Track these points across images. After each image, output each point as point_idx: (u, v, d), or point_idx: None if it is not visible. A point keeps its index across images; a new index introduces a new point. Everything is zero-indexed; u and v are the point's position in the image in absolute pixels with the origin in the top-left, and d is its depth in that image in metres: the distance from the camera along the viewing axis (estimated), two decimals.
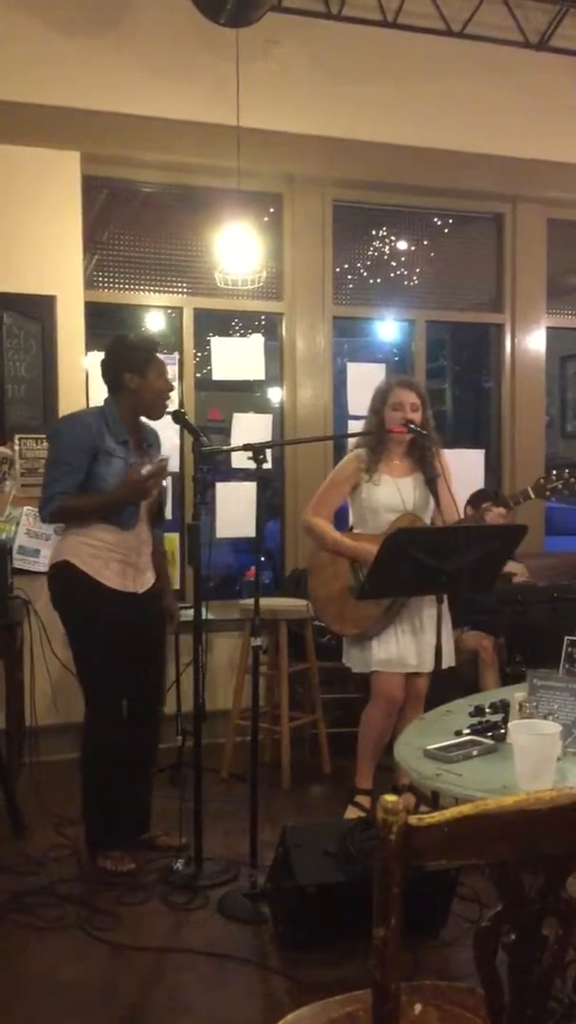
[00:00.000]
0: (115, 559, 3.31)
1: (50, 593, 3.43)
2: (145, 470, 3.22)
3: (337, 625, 3.78)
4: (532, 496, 3.72)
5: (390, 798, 1.18)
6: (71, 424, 3.39)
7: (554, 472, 3.68)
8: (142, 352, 3.35)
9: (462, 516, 4.10)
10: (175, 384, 3.44)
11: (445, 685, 3.31)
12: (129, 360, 3.34)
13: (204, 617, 3.44)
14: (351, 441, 4.08)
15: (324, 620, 3.90)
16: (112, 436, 3.30)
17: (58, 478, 3.25)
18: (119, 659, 3.33)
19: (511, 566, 4.76)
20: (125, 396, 3.36)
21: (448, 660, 3.65)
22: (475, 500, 4.70)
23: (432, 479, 3.74)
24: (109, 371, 3.39)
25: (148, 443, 3.48)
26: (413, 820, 1.18)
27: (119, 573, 3.32)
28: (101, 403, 3.49)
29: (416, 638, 3.66)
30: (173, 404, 3.46)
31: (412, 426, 3.69)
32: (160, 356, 3.42)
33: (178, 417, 3.40)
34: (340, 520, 4.12)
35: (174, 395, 3.51)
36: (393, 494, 3.72)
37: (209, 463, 3.82)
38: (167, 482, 3.41)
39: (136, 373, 3.33)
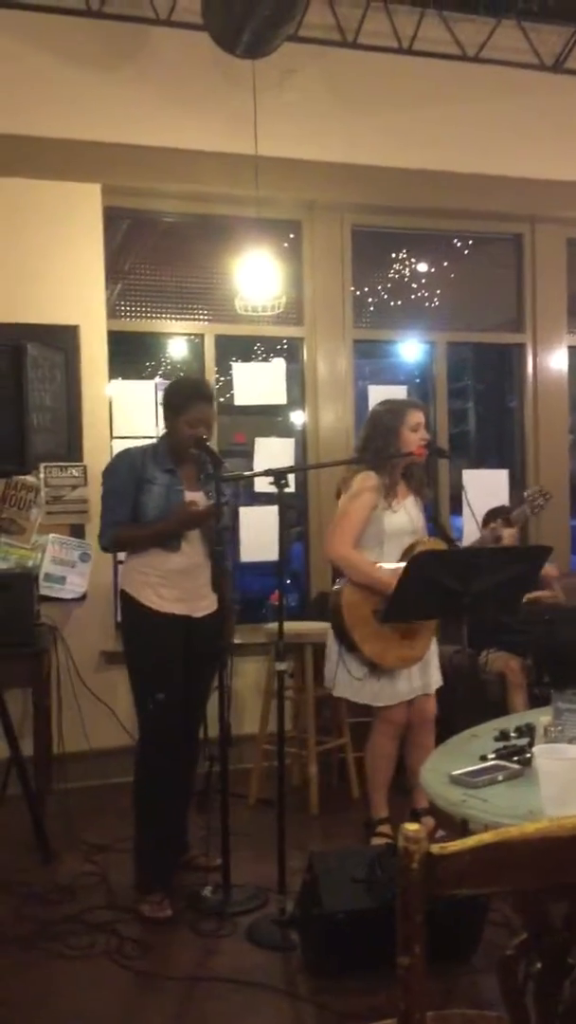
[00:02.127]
0: (163, 584, 3.35)
1: None
2: (195, 507, 3.33)
3: (388, 662, 3.63)
4: (529, 513, 3.81)
5: (411, 827, 1.18)
6: (118, 457, 3.53)
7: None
8: (177, 399, 3.45)
9: (480, 535, 4.13)
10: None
11: (473, 706, 3.30)
12: (168, 402, 3.49)
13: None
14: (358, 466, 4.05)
15: (373, 658, 3.64)
16: (156, 465, 3.40)
17: (110, 509, 3.40)
18: (171, 685, 3.33)
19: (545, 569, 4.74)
20: (168, 433, 3.50)
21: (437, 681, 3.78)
22: (488, 519, 4.61)
23: (423, 500, 3.85)
24: (162, 409, 3.56)
25: (205, 474, 3.49)
26: (435, 849, 1.18)
27: (166, 597, 3.36)
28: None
29: (422, 662, 3.70)
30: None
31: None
32: (198, 404, 3.42)
33: (199, 444, 3.44)
34: None
35: None
36: (405, 519, 3.74)
37: (232, 488, 3.85)
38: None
39: (170, 415, 3.46)
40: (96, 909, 3.26)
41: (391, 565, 3.62)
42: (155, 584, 3.35)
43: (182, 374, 5.15)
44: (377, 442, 3.74)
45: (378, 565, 3.64)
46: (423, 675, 3.72)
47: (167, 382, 4.30)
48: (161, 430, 3.66)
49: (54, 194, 4.65)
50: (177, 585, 3.37)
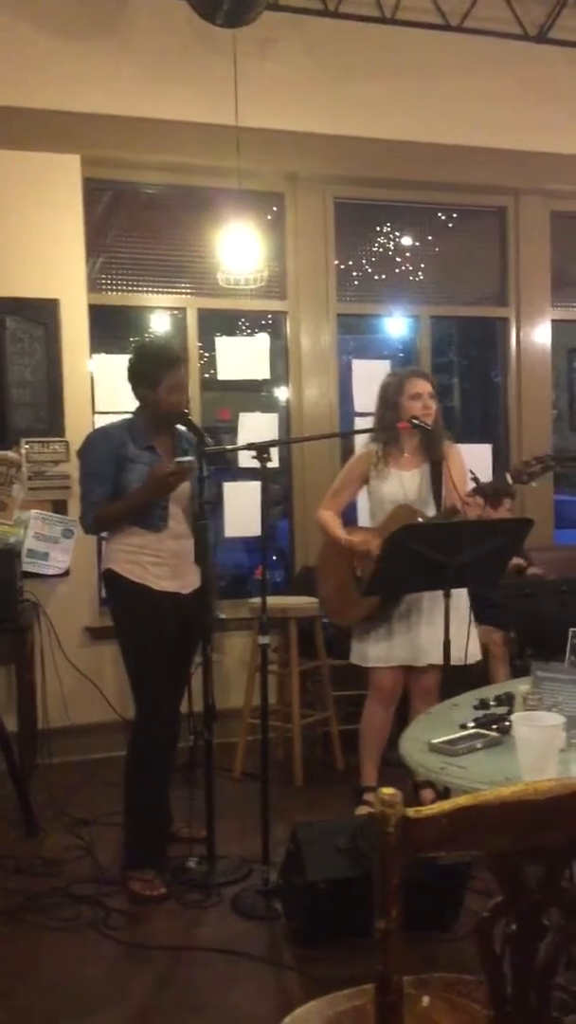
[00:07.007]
0: (150, 562, 3.31)
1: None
2: (166, 467, 3.23)
3: (336, 616, 3.83)
4: (511, 482, 3.71)
5: (387, 791, 1.19)
6: (94, 437, 3.46)
7: (534, 458, 3.69)
8: (153, 366, 3.36)
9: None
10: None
11: (455, 679, 3.31)
12: (142, 374, 3.38)
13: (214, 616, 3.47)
14: (364, 436, 4.09)
15: (327, 613, 3.94)
16: (135, 444, 3.33)
17: (90, 489, 3.33)
18: (165, 661, 3.30)
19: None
20: (145, 407, 3.40)
21: (458, 656, 3.67)
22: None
23: (437, 464, 3.75)
24: (129, 383, 3.43)
25: (183, 449, 3.44)
26: (411, 812, 1.18)
27: (158, 575, 3.32)
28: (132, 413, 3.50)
29: (411, 632, 3.69)
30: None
31: (415, 422, 3.68)
32: (172, 370, 3.36)
33: (183, 418, 3.42)
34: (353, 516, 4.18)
35: None
36: (396, 488, 3.74)
37: (216, 463, 3.83)
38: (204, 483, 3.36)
39: (149, 387, 3.36)
40: (82, 882, 3.28)
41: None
42: (145, 562, 3.31)
43: (146, 340, 5.06)
44: (383, 413, 3.80)
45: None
46: (412, 646, 3.70)
47: None
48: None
49: (33, 165, 4.59)
50: (167, 563, 3.34)
